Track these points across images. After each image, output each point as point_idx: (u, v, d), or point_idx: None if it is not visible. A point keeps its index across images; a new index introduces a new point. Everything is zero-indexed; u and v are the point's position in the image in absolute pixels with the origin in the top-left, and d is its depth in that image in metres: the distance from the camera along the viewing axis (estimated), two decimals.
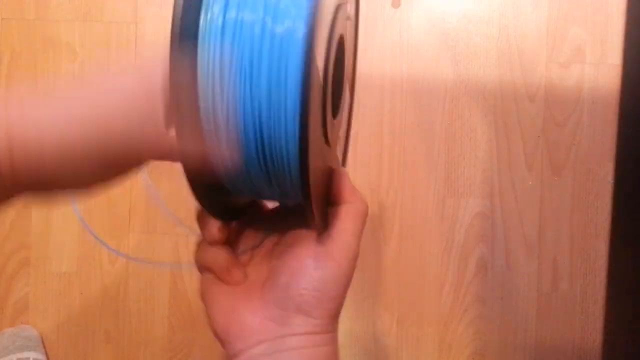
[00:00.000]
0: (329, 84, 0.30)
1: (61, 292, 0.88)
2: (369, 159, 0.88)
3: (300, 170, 0.26)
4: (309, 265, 0.31)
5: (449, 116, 0.88)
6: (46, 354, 0.87)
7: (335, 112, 0.34)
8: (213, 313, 0.32)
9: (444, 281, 0.88)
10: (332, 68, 0.31)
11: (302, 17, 0.26)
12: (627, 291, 0.86)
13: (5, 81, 0.88)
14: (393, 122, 0.88)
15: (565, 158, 0.88)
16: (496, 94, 0.88)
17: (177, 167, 0.28)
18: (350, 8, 0.37)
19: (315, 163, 0.28)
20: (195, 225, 0.33)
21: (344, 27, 0.35)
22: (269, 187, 0.30)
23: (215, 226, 0.32)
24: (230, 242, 0.34)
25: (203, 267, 0.34)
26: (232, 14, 0.27)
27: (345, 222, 0.32)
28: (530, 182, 0.88)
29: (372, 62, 0.88)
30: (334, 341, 0.31)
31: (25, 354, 0.83)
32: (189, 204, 0.30)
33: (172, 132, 0.27)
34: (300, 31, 0.26)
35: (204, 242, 0.34)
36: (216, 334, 0.32)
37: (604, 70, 0.88)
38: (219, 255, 0.33)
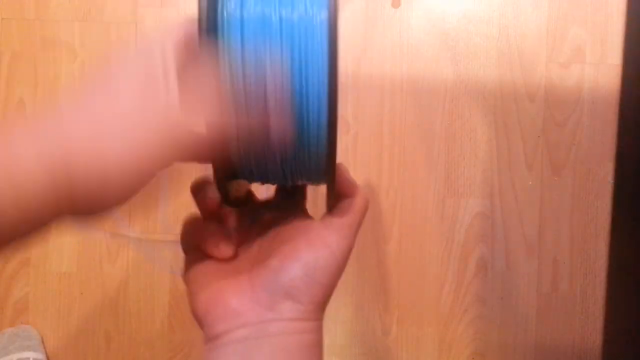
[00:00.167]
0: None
1: (61, 292, 0.88)
2: (369, 159, 0.88)
3: (329, 135, 0.27)
4: (302, 250, 0.30)
5: (449, 116, 0.88)
6: (46, 354, 0.87)
7: None
8: (196, 292, 0.31)
9: (444, 281, 0.88)
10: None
11: (323, 4, 0.27)
12: (627, 291, 0.86)
13: (5, 81, 0.88)
14: (393, 122, 0.88)
15: (565, 158, 0.88)
16: (496, 94, 0.88)
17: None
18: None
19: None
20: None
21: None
22: (289, 167, 0.30)
23: (212, 190, 0.31)
24: (221, 221, 0.33)
25: (190, 245, 0.33)
26: (252, 6, 0.28)
27: (345, 213, 0.32)
28: (530, 182, 0.88)
29: (372, 62, 0.88)
30: (319, 330, 0.31)
31: (25, 354, 0.83)
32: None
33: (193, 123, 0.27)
34: (324, 14, 0.27)
35: (191, 219, 0.33)
36: (196, 315, 0.31)
37: (604, 70, 0.88)
38: (207, 230, 0.32)
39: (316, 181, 0.32)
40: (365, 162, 0.88)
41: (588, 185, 0.88)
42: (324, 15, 0.27)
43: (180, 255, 0.34)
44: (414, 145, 0.88)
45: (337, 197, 0.33)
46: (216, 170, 0.30)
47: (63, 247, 0.88)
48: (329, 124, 0.27)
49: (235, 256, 0.32)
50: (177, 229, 0.34)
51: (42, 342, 0.87)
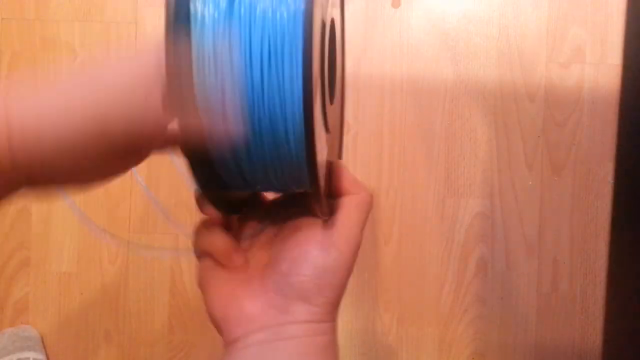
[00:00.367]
0: (325, 67, 0.30)
1: (61, 292, 0.88)
2: (369, 159, 0.88)
3: (307, 145, 0.26)
4: (311, 252, 0.30)
5: (449, 116, 0.88)
6: (46, 354, 0.87)
7: (331, 97, 0.35)
8: (211, 298, 0.32)
9: (444, 281, 0.88)
10: (326, 51, 0.31)
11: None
12: (627, 291, 0.85)
13: (5, 79, 0.88)
14: (393, 122, 0.88)
15: (565, 158, 0.88)
16: (496, 94, 0.88)
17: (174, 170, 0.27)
18: None
19: (318, 144, 0.28)
20: (187, 227, 0.33)
21: (335, 12, 0.36)
22: (271, 172, 0.29)
23: (207, 208, 0.31)
24: (230, 229, 0.34)
25: (201, 253, 0.33)
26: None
27: (349, 211, 0.32)
28: (530, 182, 0.88)
29: (372, 62, 0.88)
30: (333, 331, 0.31)
31: (25, 354, 0.83)
32: (188, 205, 0.30)
33: (172, 120, 0.27)
34: (300, 6, 0.26)
35: (202, 227, 0.33)
36: (214, 320, 0.31)
37: (604, 70, 0.88)
38: (218, 239, 0.32)
39: (299, 186, 0.31)
40: (365, 162, 0.88)
41: (588, 185, 0.88)
42: (299, 5, 0.26)
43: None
44: (414, 145, 0.88)
45: (340, 195, 0.33)
46: (203, 190, 0.29)
47: (63, 247, 0.88)
48: (305, 125, 0.26)
49: (245, 263, 0.33)
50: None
51: (42, 342, 0.87)
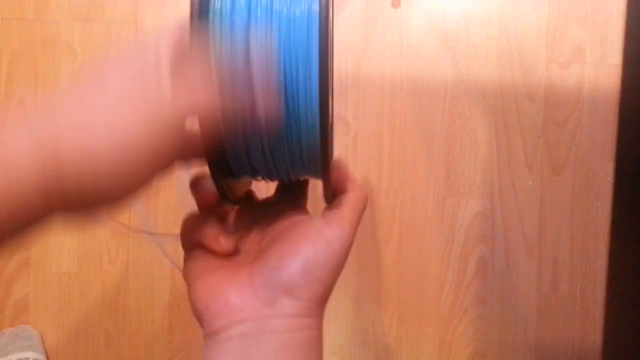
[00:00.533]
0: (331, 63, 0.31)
1: (61, 292, 0.88)
2: (369, 159, 0.88)
3: (321, 121, 0.27)
4: (301, 246, 0.30)
5: (449, 116, 0.88)
6: (46, 354, 0.87)
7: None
8: (196, 288, 0.31)
9: (444, 281, 0.88)
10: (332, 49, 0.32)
11: None
12: (627, 291, 0.85)
13: (5, 81, 0.88)
14: (393, 122, 0.88)
15: (565, 158, 0.88)
16: (496, 94, 0.88)
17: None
18: None
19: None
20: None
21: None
22: (285, 152, 0.30)
23: (208, 183, 0.31)
24: (221, 219, 0.33)
25: (190, 242, 0.33)
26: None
27: (343, 208, 0.32)
28: (530, 182, 0.88)
29: (372, 62, 0.88)
30: (318, 327, 0.31)
31: (25, 354, 0.83)
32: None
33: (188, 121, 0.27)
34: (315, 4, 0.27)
35: (191, 216, 0.33)
36: (196, 310, 0.31)
37: (604, 70, 0.88)
38: (208, 226, 0.32)
39: (311, 172, 0.32)
40: (365, 162, 0.88)
41: (588, 185, 0.88)
42: (314, 4, 0.27)
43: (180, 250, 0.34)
44: (414, 145, 0.88)
45: (336, 193, 0.33)
46: (211, 167, 0.30)
47: (63, 247, 0.88)
48: (320, 111, 0.27)
49: (235, 251, 0.32)
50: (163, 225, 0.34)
51: (42, 342, 0.87)
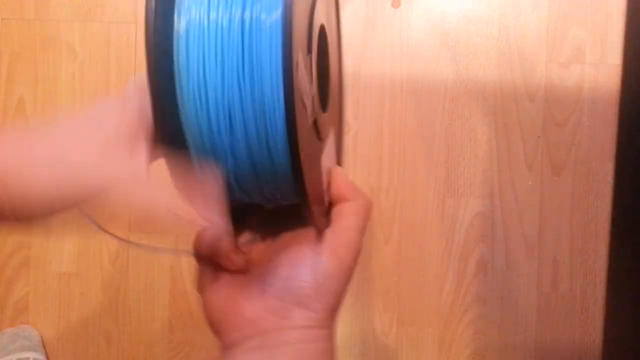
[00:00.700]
0: (313, 75, 0.29)
1: (61, 292, 0.88)
2: (369, 159, 0.88)
3: (292, 164, 0.26)
4: (311, 258, 0.30)
5: (449, 116, 0.88)
6: (46, 354, 0.87)
7: (324, 105, 0.34)
8: (210, 301, 0.32)
9: (444, 281, 0.88)
10: (315, 58, 0.30)
11: (277, 4, 0.25)
12: (627, 291, 0.85)
13: (5, 81, 0.88)
14: (393, 122, 0.88)
15: (565, 158, 0.88)
16: (496, 94, 0.88)
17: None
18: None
19: (308, 158, 0.27)
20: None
21: (325, 17, 0.34)
22: (265, 192, 0.30)
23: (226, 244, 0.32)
24: (231, 233, 0.34)
25: (202, 256, 0.33)
26: (199, 14, 0.26)
27: (349, 218, 0.32)
28: (530, 182, 0.88)
29: (372, 62, 0.88)
30: (331, 338, 0.31)
31: (25, 354, 0.83)
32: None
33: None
34: (275, 16, 0.25)
35: (203, 230, 0.33)
36: (211, 324, 0.31)
37: (604, 70, 0.88)
38: (219, 241, 0.32)
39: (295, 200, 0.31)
40: (365, 162, 0.88)
41: (588, 185, 0.88)
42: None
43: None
44: (414, 145, 0.88)
45: (339, 201, 0.33)
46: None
47: (63, 247, 0.88)
48: (290, 144, 0.26)
49: (247, 266, 0.33)
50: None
51: (42, 342, 0.87)
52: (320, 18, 0.32)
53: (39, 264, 0.88)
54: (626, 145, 0.87)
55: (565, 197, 0.88)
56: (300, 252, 0.31)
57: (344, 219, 0.32)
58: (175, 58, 0.26)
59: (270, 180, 0.28)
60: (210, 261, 0.33)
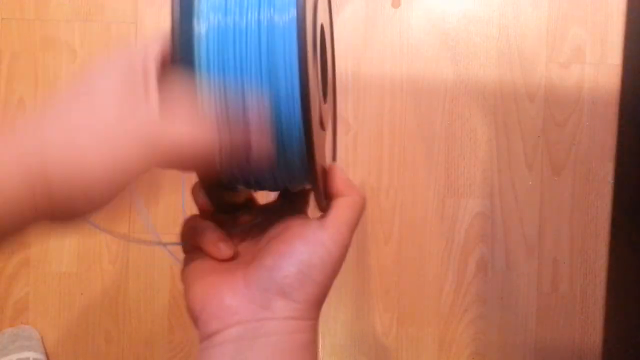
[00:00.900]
0: (318, 68, 0.31)
1: (61, 292, 0.88)
2: (369, 159, 0.88)
3: (306, 136, 0.27)
4: (297, 248, 0.30)
5: (449, 116, 0.88)
6: (46, 354, 0.87)
7: (324, 96, 0.35)
8: (192, 290, 0.31)
9: (444, 281, 0.88)
10: (318, 53, 0.32)
11: (291, 3, 0.27)
12: (627, 291, 0.85)
13: (5, 81, 0.88)
14: (393, 122, 0.88)
15: (565, 158, 0.88)
16: (496, 94, 0.88)
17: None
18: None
19: (317, 146, 0.29)
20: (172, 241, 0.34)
21: (324, 16, 0.37)
22: (276, 178, 0.30)
23: (201, 197, 0.32)
24: (220, 223, 0.34)
25: (189, 244, 0.33)
26: (217, 17, 0.28)
27: (340, 211, 0.32)
28: (530, 182, 0.88)
29: (372, 62, 0.88)
30: (313, 329, 0.31)
31: (25, 354, 0.83)
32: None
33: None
34: (291, 13, 0.27)
35: (191, 219, 0.33)
36: (192, 312, 0.31)
37: (604, 70, 0.88)
38: (207, 230, 0.32)
39: (303, 182, 0.32)
40: (365, 162, 0.88)
41: (588, 185, 0.88)
42: (292, 24, 0.27)
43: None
44: (414, 145, 0.88)
45: (333, 196, 0.33)
46: (202, 181, 0.30)
47: (63, 247, 0.88)
48: (305, 132, 0.27)
49: (234, 257, 0.33)
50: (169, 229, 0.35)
51: (42, 342, 0.87)
52: (321, 18, 0.34)
53: (39, 264, 0.88)
54: (626, 145, 0.87)
55: (565, 197, 0.88)
56: (286, 242, 0.31)
57: (335, 212, 0.32)
58: (195, 59, 0.28)
59: (283, 167, 0.30)
60: (197, 250, 0.33)
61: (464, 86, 0.88)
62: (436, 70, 0.88)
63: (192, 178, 0.32)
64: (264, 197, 0.39)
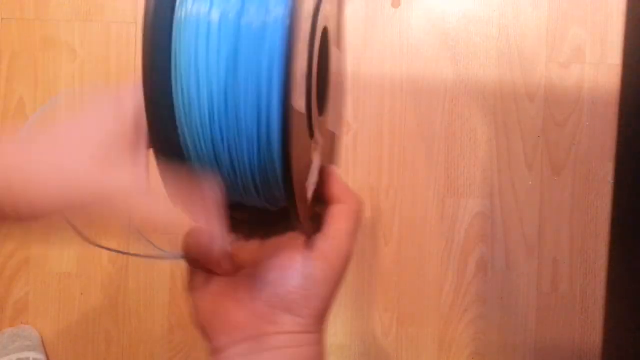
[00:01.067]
0: (313, 77, 0.29)
1: (61, 292, 0.88)
2: (369, 159, 0.88)
3: (283, 169, 0.26)
4: (300, 262, 0.30)
5: (449, 116, 0.88)
6: (46, 354, 0.87)
7: (322, 107, 0.34)
8: (198, 305, 0.31)
9: (444, 281, 0.88)
10: (315, 61, 0.30)
11: (282, 3, 0.25)
12: (627, 291, 0.85)
13: (5, 81, 0.88)
14: (393, 122, 0.88)
15: (565, 158, 0.88)
16: (496, 94, 0.88)
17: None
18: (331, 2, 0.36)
19: (301, 161, 0.27)
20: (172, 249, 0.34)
21: (328, 19, 0.34)
22: (254, 193, 0.30)
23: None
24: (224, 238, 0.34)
25: (191, 258, 0.33)
26: (201, 8, 0.26)
27: (339, 221, 0.31)
28: (530, 182, 0.88)
29: (372, 62, 0.88)
30: (320, 342, 0.31)
31: (25, 354, 0.83)
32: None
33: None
34: (280, 16, 0.24)
35: (192, 232, 0.33)
36: (199, 327, 0.31)
37: (604, 70, 0.88)
38: (211, 246, 0.32)
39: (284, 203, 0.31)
40: (365, 162, 0.88)
41: (588, 185, 0.88)
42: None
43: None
44: (414, 145, 0.88)
45: (331, 203, 0.32)
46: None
47: (63, 247, 0.88)
48: (282, 148, 0.26)
49: (235, 271, 0.32)
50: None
51: (42, 342, 0.87)
52: (324, 20, 0.32)
53: (39, 264, 0.88)
54: (626, 145, 0.87)
55: (565, 197, 0.88)
56: (289, 256, 0.31)
57: (335, 223, 0.31)
58: (172, 57, 0.26)
59: (264, 184, 0.28)
60: (200, 264, 0.33)
61: (464, 86, 0.88)
62: (436, 70, 0.88)
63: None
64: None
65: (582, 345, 0.88)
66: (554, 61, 0.88)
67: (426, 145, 0.88)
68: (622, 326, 0.86)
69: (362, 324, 0.88)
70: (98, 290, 0.88)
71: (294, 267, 0.30)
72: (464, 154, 0.88)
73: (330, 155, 0.38)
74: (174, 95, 0.26)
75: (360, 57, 0.88)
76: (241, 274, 0.32)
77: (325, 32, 0.33)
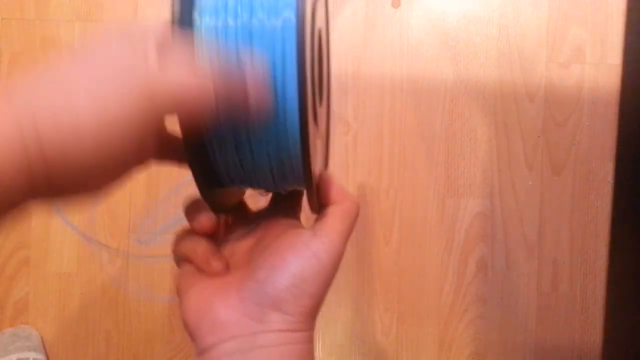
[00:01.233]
0: (315, 72, 0.31)
1: (61, 292, 0.88)
2: (369, 159, 0.88)
3: (301, 136, 0.27)
4: (289, 261, 0.30)
5: (449, 116, 0.88)
6: (46, 354, 0.87)
7: (320, 98, 0.35)
8: (186, 304, 0.31)
9: (444, 281, 0.88)
10: (315, 58, 0.32)
11: (291, 5, 0.27)
12: (627, 291, 0.86)
13: (6, 81, 0.88)
14: (393, 122, 0.88)
15: (565, 158, 0.88)
16: (496, 94, 0.88)
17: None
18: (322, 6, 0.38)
19: (311, 136, 0.29)
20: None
21: (322, 21, 0.37)
22: (267, 162, 0.30)
23: (206, 215, 0.32)
24: (215, 235, 0.34)
25: (181, 258, 0.33)
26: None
27: (332, 220, 0.32)
28: (530, 182, 0.88)
29: (372, 62, 0.88)
30: (309, 340, 0.31)
31: (25, 354, 0.83)
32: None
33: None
34: (292, 14, 0.27)
35: (183, 233, 0.33)
36: (187, 327, 0.31)
37: (604, 70, 0.88)
38: (199, 245, 0.32)
39: (296, 181, 0.32)
40: (365, 162, 0.88)
41: (588, 185, 0.88)
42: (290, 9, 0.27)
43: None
44: (414, 145, 0.88)
45: (326, 204, 0.32)
46: (198, 177, 0.30)
47: (63, 247, 0.88)
48: (300, 128, 0.27)
49: (226, 271, 0.32)
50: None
51: (42, 342, 0.87)
52: (319, 22, 0.34)
53: (39, 264, 0.88)
54: (626, 145, 0.87)
55: (565, 197, 0.88)
56: (279, 254, 0.31)
57: (328, 222, 0.31)
58: (195, 21, 0.29)
59: (279, 150, 0.30)
60: (189, 262, 0.33)
61: (464, 86, 0.88)
62: (436, 70, 0.88)
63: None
64: (255, 204, 0.38)
65: (582, 345, 0.88)
66: (554, 61, 0.88)
67: (426, 145, 0.88)
68: (622, 326, 0.86)
69: (362, 324, 0.88)
70: (98, 290, 0.88)
71: (284, 266, 0.30)
72: (464, 154, 0.88)
73: (323, 158, 0.38)
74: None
75: (360, 57, 0.88)
76: (231, 273, 0.32)
77: (320, 33, 0.35)
